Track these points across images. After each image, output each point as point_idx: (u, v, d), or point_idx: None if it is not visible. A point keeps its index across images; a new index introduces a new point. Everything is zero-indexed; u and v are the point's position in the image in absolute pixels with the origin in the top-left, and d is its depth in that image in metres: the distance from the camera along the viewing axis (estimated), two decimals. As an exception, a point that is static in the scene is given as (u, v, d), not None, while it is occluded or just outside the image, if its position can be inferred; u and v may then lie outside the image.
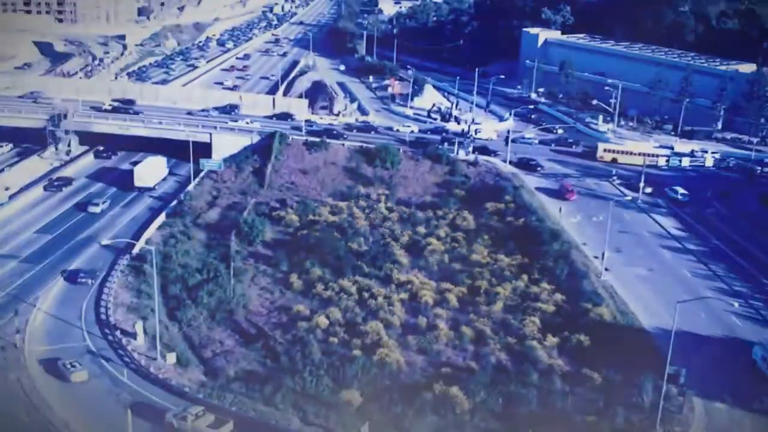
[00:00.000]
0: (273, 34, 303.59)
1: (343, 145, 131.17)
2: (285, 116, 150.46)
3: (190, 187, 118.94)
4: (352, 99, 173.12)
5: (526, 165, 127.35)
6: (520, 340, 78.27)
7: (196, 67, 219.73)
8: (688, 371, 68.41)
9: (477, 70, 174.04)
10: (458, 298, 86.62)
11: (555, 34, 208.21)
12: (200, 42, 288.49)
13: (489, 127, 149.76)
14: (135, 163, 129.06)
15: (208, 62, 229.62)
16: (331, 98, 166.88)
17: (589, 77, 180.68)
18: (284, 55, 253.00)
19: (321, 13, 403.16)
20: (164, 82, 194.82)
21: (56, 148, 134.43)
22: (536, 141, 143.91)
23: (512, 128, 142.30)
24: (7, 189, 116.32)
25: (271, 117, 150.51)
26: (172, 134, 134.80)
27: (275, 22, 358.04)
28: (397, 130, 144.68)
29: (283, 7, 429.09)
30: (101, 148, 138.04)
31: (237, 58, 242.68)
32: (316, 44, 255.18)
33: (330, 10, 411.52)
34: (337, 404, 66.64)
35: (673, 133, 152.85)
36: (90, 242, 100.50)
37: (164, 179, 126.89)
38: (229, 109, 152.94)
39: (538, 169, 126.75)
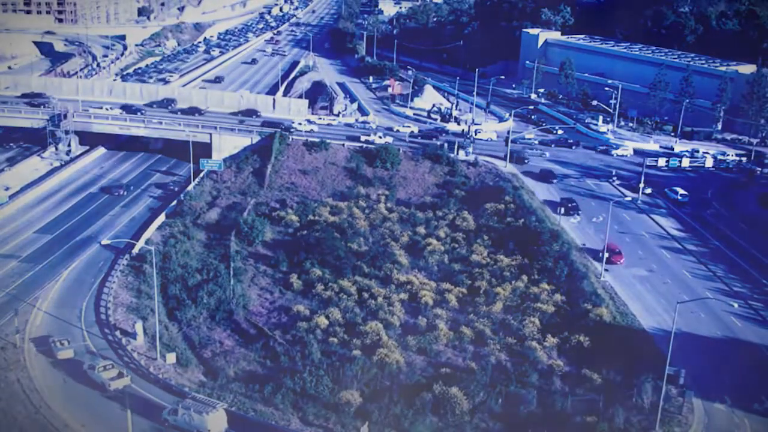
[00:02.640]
0: (296, 17, 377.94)
1: (344, 145, 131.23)
2: (250, 113, 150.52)
3: (190, 187, 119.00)
4: (352, 99, 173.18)
5: (566, 209, 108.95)
6: (519, 340, 78.35)
7: (168, 82, 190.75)
8: (687, 372, 68.64)
9: (477, 70, 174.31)
10: (458, 299, 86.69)
11: (555, 35, 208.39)
12: (194, 44, 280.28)
13: (489, 128, 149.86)
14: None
15: (182, 76, 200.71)
16: (331, 98, 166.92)
17: (589, 78, 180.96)
18: (306, 34, 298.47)
19: (321, 15, 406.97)
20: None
21: (56, 148, 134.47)
22: (536, 142, 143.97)
23: (512, 129, 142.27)
24: (7, 189, 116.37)
25: (236, 113, 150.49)
26: (172, 134, 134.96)
27: (273, 24, 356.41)
28: (397, 131, 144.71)
29: (281, 9, 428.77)
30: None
31: (273, 33, 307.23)
32: (315, 45, 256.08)
33: (331, 10, 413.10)
34: (337, 404, 66.69)
35: (672, 134, 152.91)
36: (90, 242, 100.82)
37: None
38: (166, 103, 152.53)
39: (576, 215, 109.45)
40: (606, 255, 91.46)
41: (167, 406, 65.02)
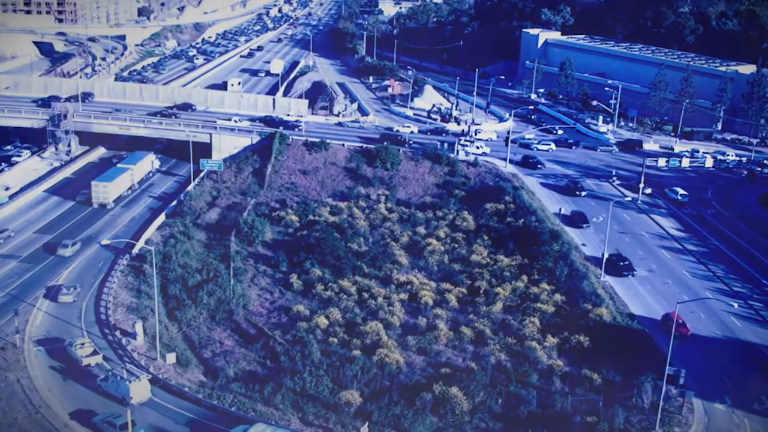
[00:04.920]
0: (309, 8, 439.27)
1: (343, 145, 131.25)
2: (185, 107, 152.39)
3: (190, 187, 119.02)
4: (352, 99, 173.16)
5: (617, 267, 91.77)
6: (519, 340, 78.33)
7: None
8: (687, 372, 68.64)
9: (477, 70, 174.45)
10: (458, 299, 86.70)
11: (555, 35, 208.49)
12: (185, 48, 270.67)
13: (489, 128, 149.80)
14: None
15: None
16: (331, 99, 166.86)
17: (589, 78, 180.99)
18: (320, 20, 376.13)
19: (329, 6, 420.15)
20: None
21: (56, 148, 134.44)
22: (536, 141, 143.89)
23: (512, 129, 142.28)
24: (7, 189, 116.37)
25: (171, 107, 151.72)
26: (172, 134, 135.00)
27: (271, 26, 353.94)
28: (397, 131, 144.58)
29: (280, 9, 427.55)
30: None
31: (294, 19, 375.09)
32: (315, 45, 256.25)
33: (331, 10, 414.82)
34: (337, 404, 66.71)
35: (673, 134, 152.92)
36: (90, 242, 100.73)
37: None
38: (83, 97, 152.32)
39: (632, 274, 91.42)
40: (670, 325, 73.83)
41: (168, 406, 65.22)
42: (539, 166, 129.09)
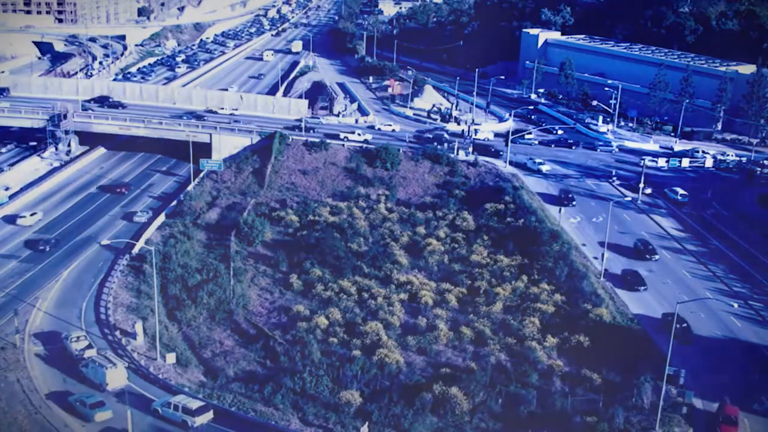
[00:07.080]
0: (317, 1, 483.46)
1: (344, 145, 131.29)
2: (102, 100, 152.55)
3: (190, 187, 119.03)
4: (352, 99, 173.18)
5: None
6: (519, 340, 78.34)
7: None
8: (687, 372, 68.63)
9: (477, 70, 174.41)
10: (458, 299, 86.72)
11: (555, 35, 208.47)
12: (174, 53, 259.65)
13: (488, 128, 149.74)
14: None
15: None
16: (331, 99, 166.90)
17: (589, 78, 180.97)
18: (327, 13, 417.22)
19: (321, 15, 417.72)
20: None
21: (56, 148, 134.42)
22: (536, 142, 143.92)
23: (512, 129, 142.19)
24: (7, 189, 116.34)
25: (89, 101, 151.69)
26: (172, 134, 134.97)
27: (268, 27, 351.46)
28: (379, 129, 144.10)
29: (279, 11, 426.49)
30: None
31: (304, 12, 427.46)
32: (315, 45, 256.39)
33: (330, 11, 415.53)
34: (337, 404, 66.72)
35: (672, 134, 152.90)
36: (90, 242, 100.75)
37: None
38: (1, 91, 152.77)
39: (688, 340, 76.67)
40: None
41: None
42: (572, 202, 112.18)
